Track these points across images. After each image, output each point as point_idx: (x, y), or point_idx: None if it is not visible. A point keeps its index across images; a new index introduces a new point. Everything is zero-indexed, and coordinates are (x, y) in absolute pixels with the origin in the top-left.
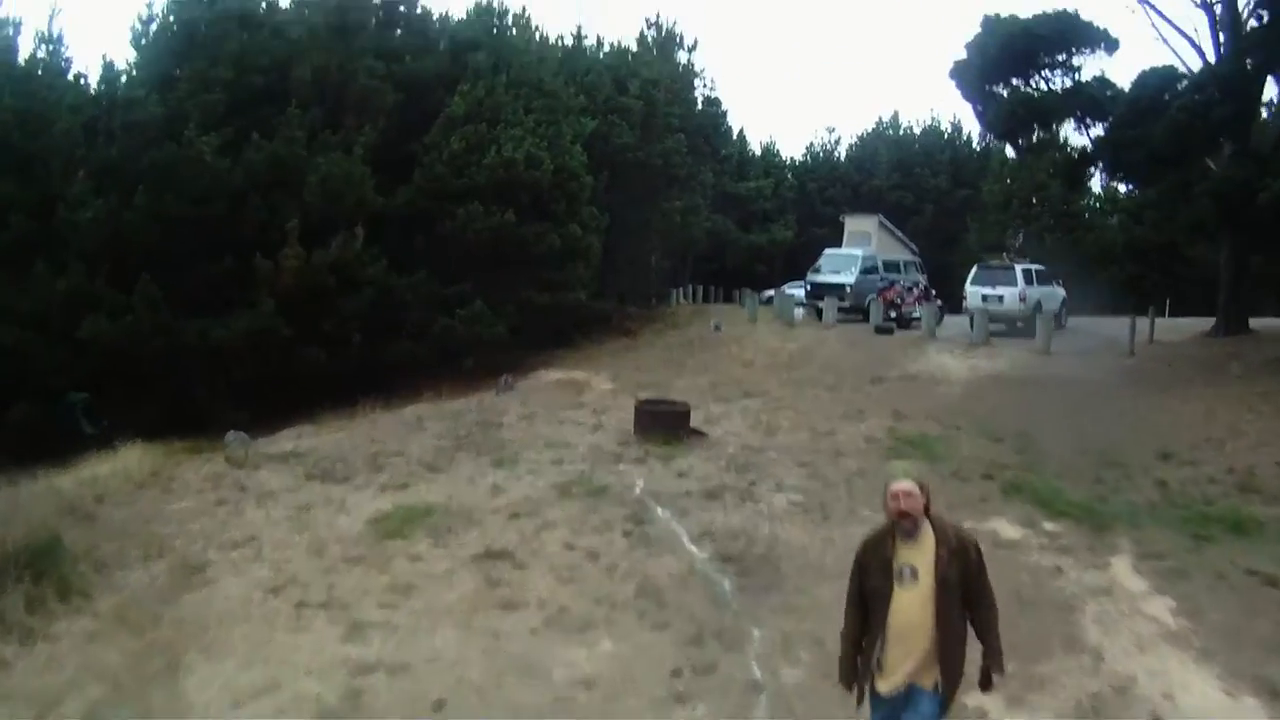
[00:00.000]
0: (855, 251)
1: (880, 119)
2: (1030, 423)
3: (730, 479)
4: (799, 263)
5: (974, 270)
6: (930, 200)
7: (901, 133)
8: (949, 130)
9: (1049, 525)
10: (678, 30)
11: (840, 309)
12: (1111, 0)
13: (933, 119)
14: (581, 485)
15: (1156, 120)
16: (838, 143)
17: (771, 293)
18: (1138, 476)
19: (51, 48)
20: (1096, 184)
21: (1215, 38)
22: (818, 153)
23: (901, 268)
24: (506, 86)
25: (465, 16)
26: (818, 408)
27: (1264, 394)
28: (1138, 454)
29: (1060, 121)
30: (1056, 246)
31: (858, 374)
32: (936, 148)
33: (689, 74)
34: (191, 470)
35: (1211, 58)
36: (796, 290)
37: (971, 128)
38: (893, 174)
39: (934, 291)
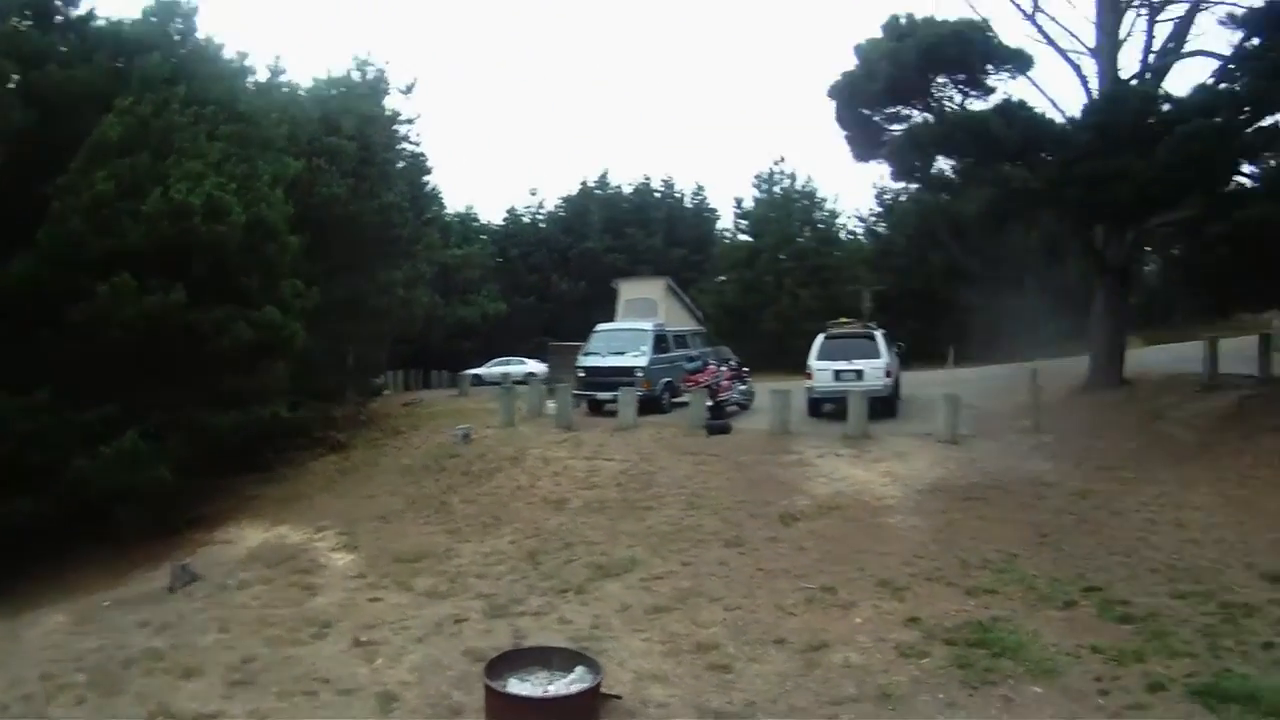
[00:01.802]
0: (642, 325)
1: (585, 181)
2: (1076, 565)
3: None
4: (500, 339)
5: (819, 341)
6: (646, 261)
7: (609, 191)
8: (661, 188)
9: None
10: (387, 72)
11: (609, 399)
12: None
13: (644, 177)
14: None
15: (1138, 149)
16: (541, 206)
17: (475, 372)
18: None
19: None
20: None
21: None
22: (520, 216)
23: (689, 342)
24: (184, 103)
25: (140, 16)
26: (747, 588)
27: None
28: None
29: (987, 151)
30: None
31: (746, 509)
32: (650, 205)
33: (397, 122)
34: None
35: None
36: (497, 370)
37: (686, 185)
38: (604, 235)
39: (747, 370)
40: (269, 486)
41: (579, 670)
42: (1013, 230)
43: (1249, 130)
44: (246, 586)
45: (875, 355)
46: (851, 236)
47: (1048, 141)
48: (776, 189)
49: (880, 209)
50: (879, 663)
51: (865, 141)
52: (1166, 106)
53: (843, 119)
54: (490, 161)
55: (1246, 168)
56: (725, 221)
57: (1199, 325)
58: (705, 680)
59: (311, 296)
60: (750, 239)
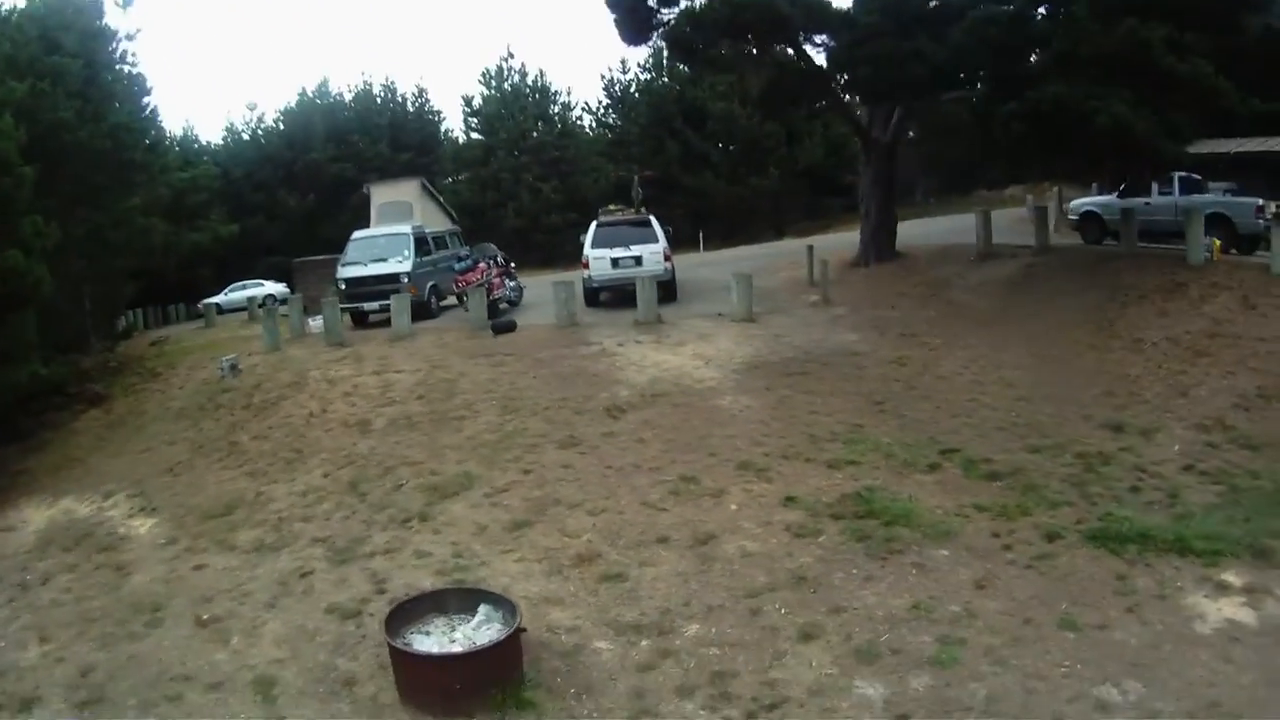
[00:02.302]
0: (401, 229)
1: (304, 90)
2: (923, 429)
3: None
4: (234, 264)
5: (592, 229)
6: (374, 169)
7: (330, 101)
8: (382, 93)
9: None
10: None
11: (375, 310)
12: None
13: (364, 82)
14: None
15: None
16: (261, 120)
17: (214, 301)
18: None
19: None
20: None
21: None
22: (239, 133)
23: (449, 242)
24: None
25: None
26: (603, 488)
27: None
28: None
29: (772, 32)
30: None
31: (568, 407)
32: (373, 111)
33: (114, 36)
34: None
35: None
36: (237, 295)
37: (407, 88)
38: (328, 145)
39: (513, 265)
40: (34, 456)
41: (483, 610)
42: (777, 111)
43: (1038, 18)
44: (50, 578)
45: (653, 240)
46: (587, 129)
47: (833, 22)
48: (507, 85)
49: (609, 100)
50: (776, 547)
51: (636, 25)
52: None
53: (613, 1)
54: (202, 76)
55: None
56: (451, 123)
57: (936, 202)
58: (604, 594)
59: (52, 234)
60: (482, 137)
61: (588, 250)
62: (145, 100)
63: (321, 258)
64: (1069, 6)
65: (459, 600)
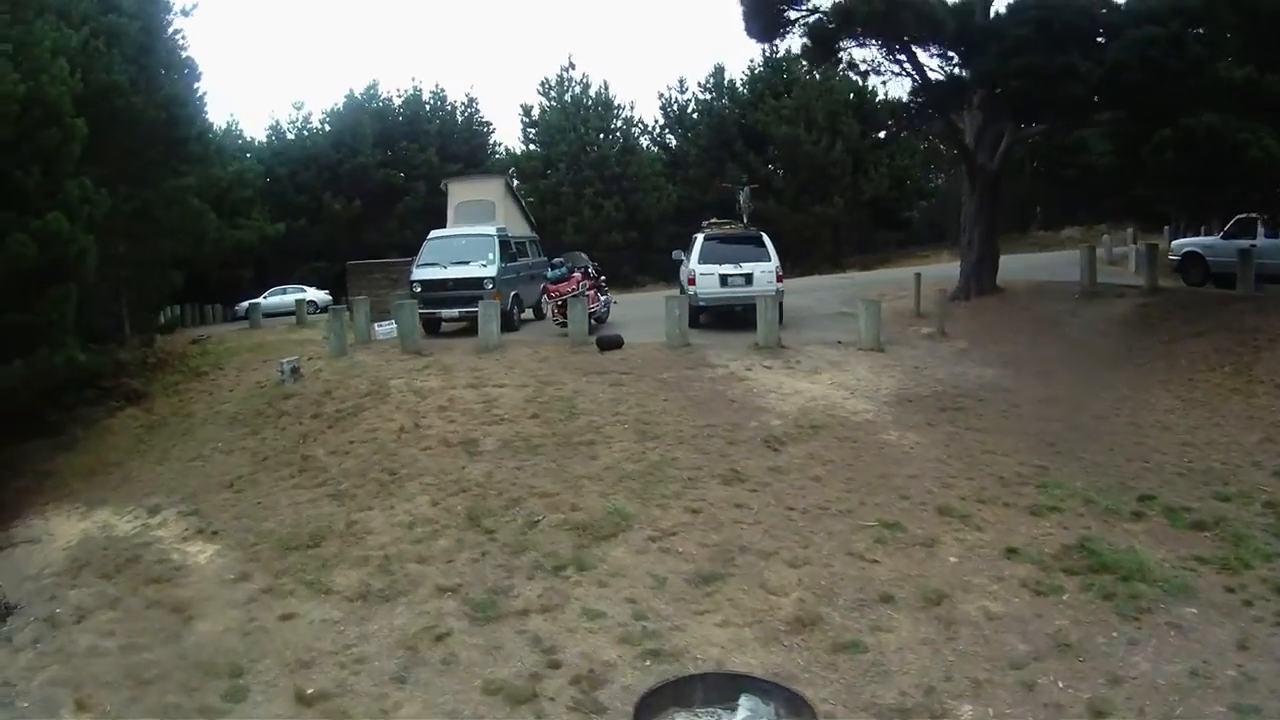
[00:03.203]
0: (485, 230)
1: (353, 91)
2: (1107, 474)
3: None
4: (273, 266)
5: (698, 243)
6: (422, 177)
7: (380, 104)
8: (431, 100)
9: None
10: None
11: (454, 317)
12: None
13: (414, 87)
14: None
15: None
16: (308, 119)
17: (252, 303)
18: None
19: None
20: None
21: None
22: (284, 131)
23: (529, 250)
24: None
25: None
26: (795, 534)
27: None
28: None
29: (924, 34)
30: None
31: (716, 436)
32: (422, 118)
33: (170, 8)
34: None
35: None
36: (279, 299)
37: (456, 96)
38: (376, 150)
39: (604, 278)
40: (63, 455)
41: (746, 704)
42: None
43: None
44: (87, 615)
45: (765, 258)
46: (645, 148)
47: (983, 33)
48: (567, 96)
49: (665, 120)
50: (1021, 608)
51: (769, 18)
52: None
53: None
54: (248, 71)
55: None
56: (500, 135)
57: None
58: (845, 668)
59: (102, 202)
60: (540, 149)
61: (693, 265)
62: (195, 86)
63: (378, 261)
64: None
65: (707, 689)
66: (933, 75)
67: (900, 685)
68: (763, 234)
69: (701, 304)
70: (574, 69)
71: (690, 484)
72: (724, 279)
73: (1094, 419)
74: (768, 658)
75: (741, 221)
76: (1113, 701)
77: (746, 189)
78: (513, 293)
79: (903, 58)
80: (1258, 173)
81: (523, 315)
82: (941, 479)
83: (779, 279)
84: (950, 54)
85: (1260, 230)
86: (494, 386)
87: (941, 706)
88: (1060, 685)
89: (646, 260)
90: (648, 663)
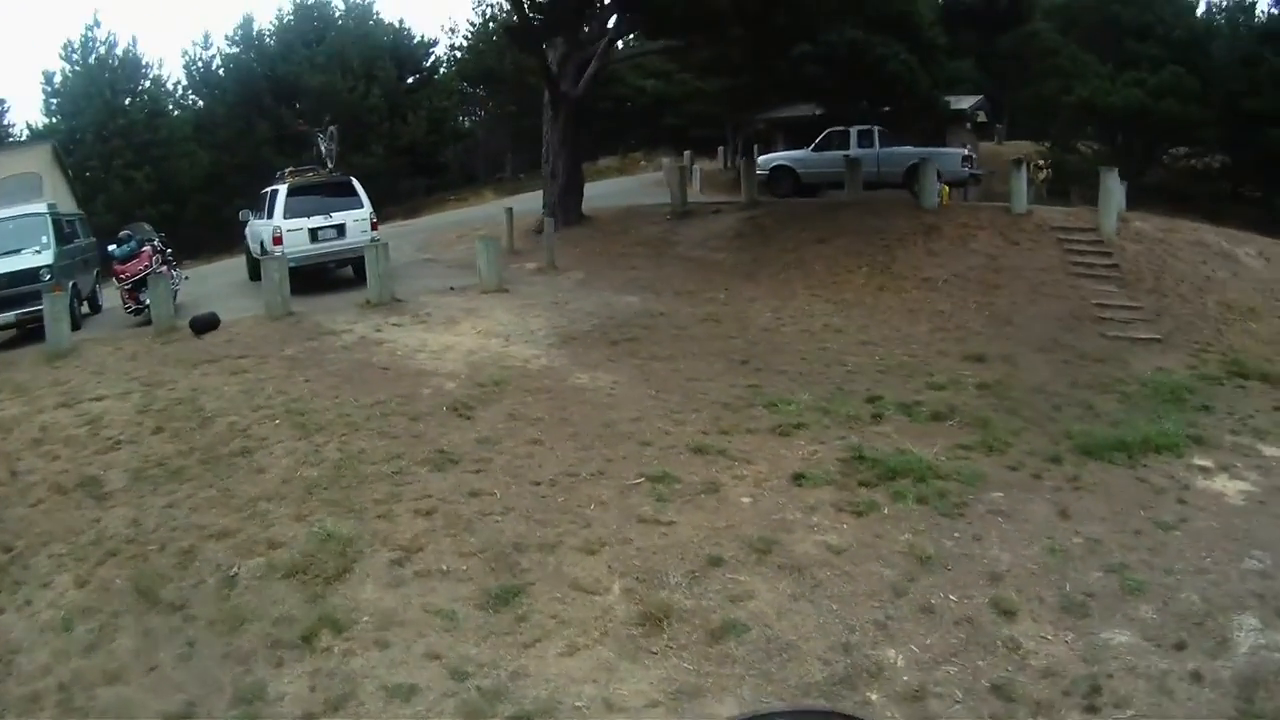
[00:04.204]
0: (34, 209)
1: None
2: (818, 382)
3: None
4: None
5: (281, 197)
6: None
7: None
8: None
9: None
10: None
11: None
12: None
13: None
14: None
15: None
16: None
17: None
18: None
19: None
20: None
21: None
22: None
23: (80, 230)
24: None
25: None
26: (554, 515)
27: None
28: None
29: None
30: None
31: (393, 413)
32: None
33: None
34: None
35: None
36: None
37: None
38: None
39: (172, 251)
40: None
41: None
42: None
43: None
44: None
45: (358, 205)
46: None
47: None
48: (92, 59)
49: (189, 80)
50: (854, 534)
51: None
52: None
53: None
54: None
55: None
56: (22, 110)
57: (526, 178)
58: (746, 659)
59: None
60: (62, 120)
61: (279, 221)
62: None
63: None
64: None
65: None
66: None
67: (815, 654)
68: (352, 179)
69: (293, 266)
70: (99, 27)
71: (398, 479)
72: (314, 233)
73: (764, 332)
74: (657, 676)
75: (325, 167)
76: (1009, 599)
77: (331, 129)
78: (72, 282)
79: None
80: (895, 84)
81: (83, 308)
82: (668, 416)
83: (374, 227)
84: None
85: (853, 141)
86: (91, 401)
87: (870, 662)
88: (953, 599)
89: (180, 235)
90: None
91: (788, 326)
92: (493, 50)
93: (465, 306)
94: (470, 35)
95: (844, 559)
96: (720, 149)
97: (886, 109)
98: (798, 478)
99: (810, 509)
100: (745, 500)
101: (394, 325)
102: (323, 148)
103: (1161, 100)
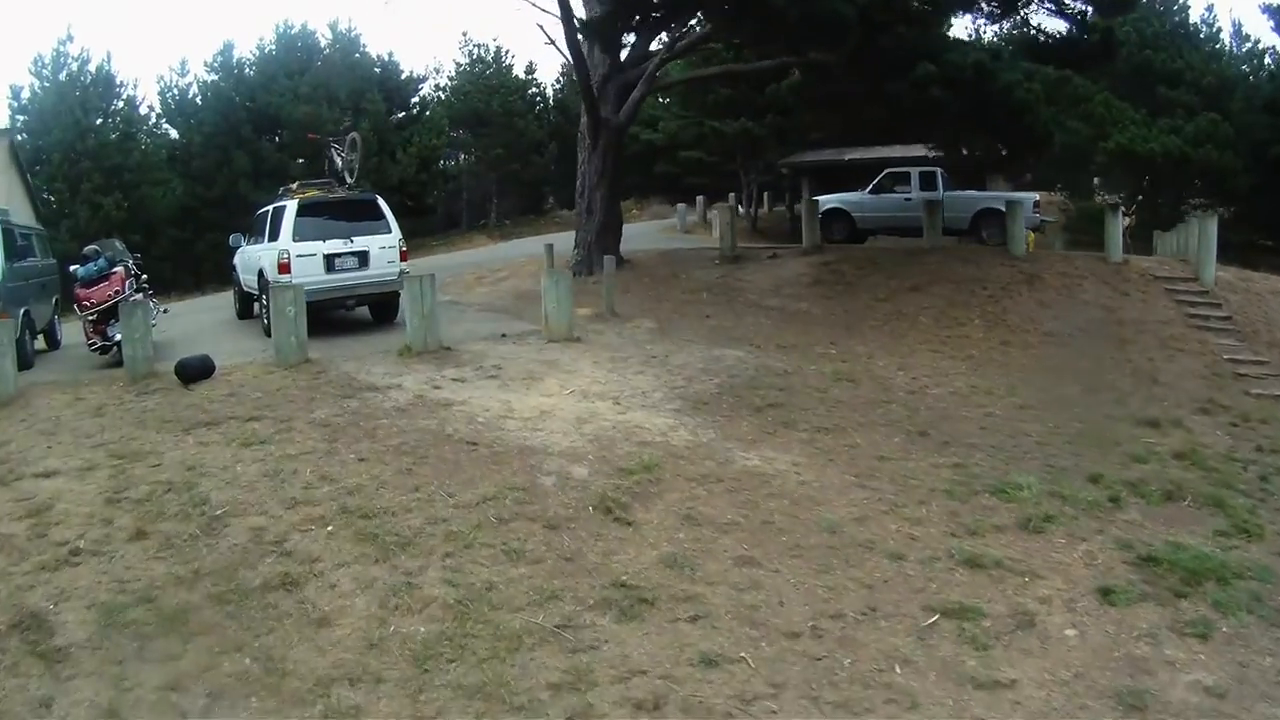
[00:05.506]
0: None
1: None
2: (997, 453)
3: None
4: None
5: (289, 215)
6: None
7: None
8: None
9: None
10: None
11: None
12: None
13: None
14: None
15: None
16: None
17: None
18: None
19: None
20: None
21: None
22: None
23: (38, 247)
24: None
25: None
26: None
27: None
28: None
29: None
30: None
31: (519, 515)
32: None
33: None
34: None
35: None
36: None
37: None
38: None
39: (147, 277)
40: None
41: None
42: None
43: None
44: None
45: (385, 230)
46: (144, 139)
47: None
48: (63, 75)
49: (163, 108)
50: (1200, 660)
51: None
52: None
53: None
54: None
55: None
56: None
57: (512, 224)
58: None
59: None
60: (28, 139)
61: (287, 245)
62: None
63: None
64: None
65: None
66: None
67: None
68: (378, 197)
69: (309, 299)
70: (72, 42)
71: (567, 637)
72: (330, 261)
73: (912, 395)
74: None
75: (343, 183)
76: None
77: (352, 136)
78: (23, 309)
79: None
80: (1023, 114)
81: (35, 342)
82: (894, 513)
83: (404, 257)
84: None
85: (914, 184)
86: (37, 478)
87: None
88: None
89: (149, 270)
90: None
91: (932, 389)
92: (480, 92)
93: (539, 359)
94: (454, 76)
95: (1230, 704)
96: (731, 195)
97: (1003, 149)
98: (1105, 594)
99: (1149, 637)
100: (1070, 633)
101: (454, 381)
102: (339, 160)
103: (1200, 147)
